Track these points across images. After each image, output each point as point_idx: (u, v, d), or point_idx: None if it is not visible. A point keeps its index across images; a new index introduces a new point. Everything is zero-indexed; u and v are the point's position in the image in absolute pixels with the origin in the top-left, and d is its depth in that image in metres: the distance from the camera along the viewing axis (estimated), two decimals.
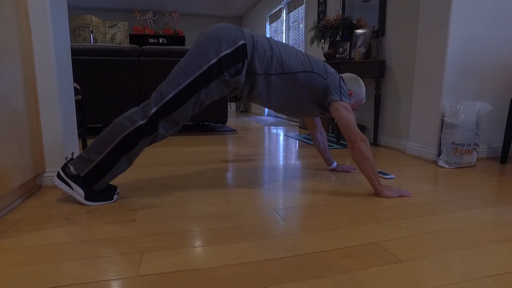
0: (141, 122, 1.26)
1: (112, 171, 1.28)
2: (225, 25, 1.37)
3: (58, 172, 1.28)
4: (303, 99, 1.50)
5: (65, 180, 1.27)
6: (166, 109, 1.28)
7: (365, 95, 1.64)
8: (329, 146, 2.69)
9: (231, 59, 1.32)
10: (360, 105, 1.62)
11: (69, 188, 1.27)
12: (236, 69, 1.33)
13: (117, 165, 1.28)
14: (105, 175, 1.28)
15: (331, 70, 1.54)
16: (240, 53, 1.33)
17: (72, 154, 1.34)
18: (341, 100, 1.45)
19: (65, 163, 1.31)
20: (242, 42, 1.33)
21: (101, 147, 1.25)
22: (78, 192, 1.27)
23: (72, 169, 1.27)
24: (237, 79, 1.35)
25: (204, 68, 1.29)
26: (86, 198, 1.28)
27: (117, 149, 1.26)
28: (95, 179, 1.27)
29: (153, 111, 1.27)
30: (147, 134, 1.28)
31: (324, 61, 2.61)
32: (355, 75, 1.62)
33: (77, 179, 1.27)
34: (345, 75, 1.63)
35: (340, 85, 1.47)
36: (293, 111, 1.56)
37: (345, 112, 1.43)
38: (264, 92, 1.45)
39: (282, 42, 1.51)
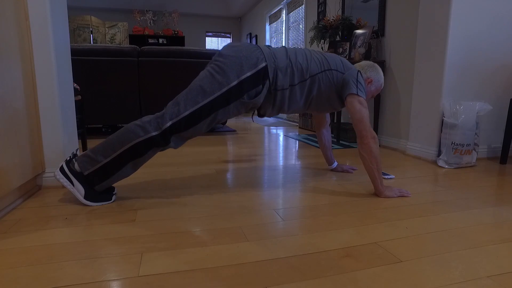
0: (153, 133, 1.25)
1: (116, 175, 1.28)
2: (246, 45, 1.36)
3: (62, 166, 1.27)
4: (326, 95, 1.50)
5: (67, 175, 1.26)
6: (181, 125, 1.27)
7: (383, 80, 1.62)
8: None
9: (252, 81, 1.31)
10: (379, 91, 1.63)
11: (70, 184, 1.26)
12: (256, 91, 1.34)
13: (122, 170, 1.28)
14: (108, 178, 1.28)
15: (349, 64, 1.53)
16: (261, 75, 1.33)
17: (77, 150, 1.34)
18: (357, 94, 1.44)
19: (69, 159, 1.30)
20: (263, 64, 1.33)
21: (109, 150, 1.25)
22: (79, 190, 1.27)
23: (76, 165, 1.27)
24: (255, 101, 1.35)
25: (224, 89, 1.28)
26: (86, 197, 1.28)
27: (125, 155, 1.26)
28: (98, 180, 1.27)
29: (167, 125, 1.26)
30: (157, 145, 1.28)
31: None
32: (372, 62, 1.61)
33: (80, 177, 1.27)
34: (363, 63, 1.62)
35: (357, 80, 1.46)
36: (319, 108, 1.57)
37: (359, 107, 1.42)
38: (293, 101, 1.46)
39: (294, 47, 1.51)
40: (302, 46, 4.90)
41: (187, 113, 1.27)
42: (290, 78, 1.40)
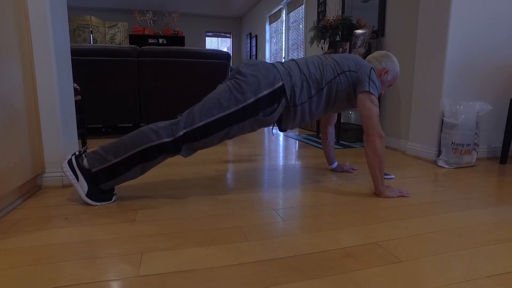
0: (166, 140, 1.27)
1: (124, 175, 1.29)
2: (263, 64, 1.38)
3: (70, 159, 1.28)
4: (346, 96, 1.51)
5: (74, 170, 1.26)
6: (194, 135, 1.29)
7: (399, 68, 1.61)
8: None
9: (268, 100, 1.34)
10: (396, 79, 1.64)
11: (75, 179, 1.26)
12: (271, 109, 1.36)
13: (130, 172, 1.29)
14: (116, 178, 1.28)
15: (361, 62, 1.52)
16: (277, 94, 1.36)
17: (87, 146, 1.34)
18: (368, 92, 1.44)
19: (79, 154, 1.30)
20: (280, 83, 1.35)
21: (121, 151, 1.26)
22: (82, 186, 1.27)
23: (85, 162, 1.27)
24: (270, 118, 1.38)
25: (241, 106, 1.31)
26: (87, 195, 1.28)
27: (135, 157, 1.27)
28: (105, 178, 1.28)
29: (181, 133, 1.27)
30: (168, 152, 1.29)
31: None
32: (385, 52, 1.61)
33: (86, 173, 1.27)
34: (376, 54, 1.61)
35: (369, 77, 1.46)
36: (339, 109, 1.58)
37: (370, 104, 1.43)
38: (314, 111, 1.48)
39: (304, 57, 1.53)
40: (302, 46, 4.90)
41: (201, 124, 1.28)
42: (307, 91, 1.42)
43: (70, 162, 1.27)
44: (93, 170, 1.26)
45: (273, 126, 1.65)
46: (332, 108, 1.54)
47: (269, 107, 1.35)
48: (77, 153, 1.31)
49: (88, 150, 1.31)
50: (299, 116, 1.45)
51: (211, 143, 1.34)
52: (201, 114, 1.29)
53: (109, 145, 1.28)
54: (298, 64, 1.45)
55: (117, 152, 1.26)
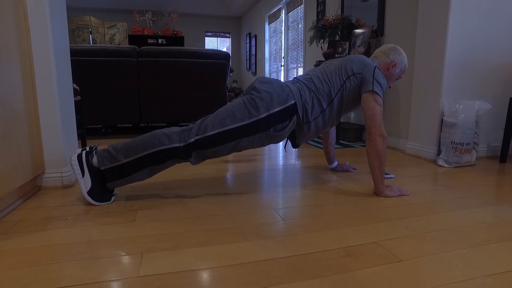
0: (177, 144, 1.29)
1: (131, 176, 1.30)
2: (277, 82, 1.42)
3: (80, 154, 1.28)
4: (356, 97, 1.52)
5: (82, 164, 1.27)
6: (205, 142, 1.31)
7: (407, 61, 1.62)
8: None
9: (280, 116, 1.37)
10: (404, 72, 1.65)
11: (81, 173, 1.27)
12: (282, 126, 1.39)
13: (139, 173, 1.30)
14: (123, 178, 1.29)
15: (366, 62, 1.52)
16: (289, 111, 1.39)
17: (98, 144, 1.35)
18: (373, 91, 1.44)
19: (90, 150, 1.31)
20: (292, 101, 1.39)
21: (131, 152, 1.27)
22: (86, 182, 1.27)
23: (95, 159, 1.28)
24: (280, 134, 1.40)
25: (253, 119, 1.33)
26: (89, 193, 1.28)
27: (145, 159, 1.28)
28: (112, 177, 1.28)
29: (192, 139, 1.29)
30: (179, 157, 1.31)
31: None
32: (392, 45, 1.61)
33: (94, 171, 1.27)
34: (384, 48, 1.61)
35: (373, 76, 1.46)
36: (353, 109, 1.60)
37: (373, 104, 1.43)
38: (328, 122, 1.51)
39: (307, 73, 1.54)
40: (301, 46, 4.90)
41: (213, 132, 1.31)
42: (318, 106, 1.45)
43: (79, 156, 1.28)
44: (102, 168, 1.27)
45: (285, 144, 1.66)
46: (345, 111, 1.55)
47: (280, 124, 1.38)
48: (87, 148, 1.31)
49: (98, 148, 1.31)
50: (313, 130, 1.48)
51: (220, 153, 1.36)
52: (214, 124, 1.32)
53: (120, 145, 1.28)
54: (305, 83, 1.47)
55: (127, 152, 1.27)
